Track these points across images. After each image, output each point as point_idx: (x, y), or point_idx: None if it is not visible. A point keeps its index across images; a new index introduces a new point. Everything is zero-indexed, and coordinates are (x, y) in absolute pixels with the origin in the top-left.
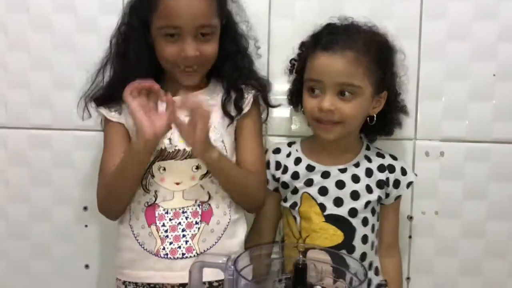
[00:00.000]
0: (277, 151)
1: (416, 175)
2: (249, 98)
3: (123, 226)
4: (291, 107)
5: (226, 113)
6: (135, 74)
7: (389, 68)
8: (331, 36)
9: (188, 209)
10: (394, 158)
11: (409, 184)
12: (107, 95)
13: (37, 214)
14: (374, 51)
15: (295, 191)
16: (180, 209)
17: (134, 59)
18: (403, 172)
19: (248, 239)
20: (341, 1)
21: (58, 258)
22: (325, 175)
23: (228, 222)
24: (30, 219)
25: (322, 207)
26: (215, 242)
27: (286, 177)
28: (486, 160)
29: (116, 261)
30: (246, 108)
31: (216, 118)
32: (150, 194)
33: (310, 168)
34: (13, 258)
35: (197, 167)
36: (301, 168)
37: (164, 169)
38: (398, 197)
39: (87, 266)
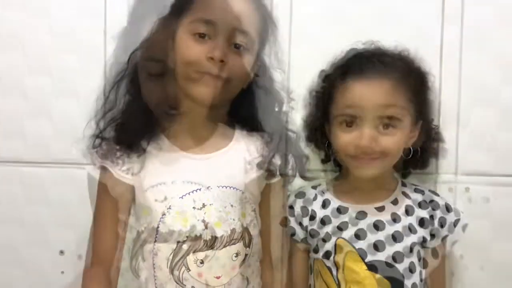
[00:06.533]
0: (301, 195)
1: (462, 212)
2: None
3: None
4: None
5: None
6: (155, 96)
7: (426, 96)
8: (364, 64)
9: None
10: (435, 193)
11: (456, 222)
12: (124, 129)
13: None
14: (412, 79)
15: (326, 238)
16: None
17: (158, 74)
18: (448, 208)
19: None
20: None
21: None
22: (360, 215)
23: None
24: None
25: (362, 252)
26: None
27: (315, 224)
28: None
29: None
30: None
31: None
32: None
33: (342, 210)
34: None
35: (237, 254)
36: (331, 211)
37: (202, 262)
38: (444, 238)
39: None
